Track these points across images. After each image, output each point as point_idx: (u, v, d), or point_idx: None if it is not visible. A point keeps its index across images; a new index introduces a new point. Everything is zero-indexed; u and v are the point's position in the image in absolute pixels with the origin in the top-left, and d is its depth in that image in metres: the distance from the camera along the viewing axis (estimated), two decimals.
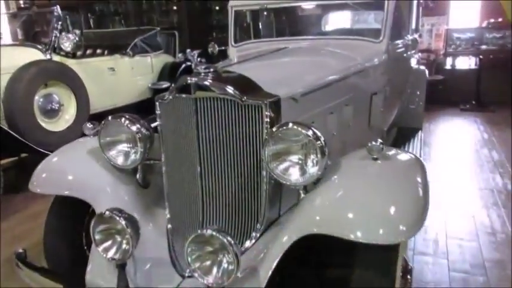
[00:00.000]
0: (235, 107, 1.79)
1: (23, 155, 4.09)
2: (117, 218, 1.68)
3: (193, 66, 1.87)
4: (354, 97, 2.58)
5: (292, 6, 3.53)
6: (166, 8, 9.26)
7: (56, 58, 4.22)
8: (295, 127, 1.66)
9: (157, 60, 5.56)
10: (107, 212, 1.69)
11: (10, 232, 3.27)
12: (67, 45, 4.17)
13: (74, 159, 2.13)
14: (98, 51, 5.12)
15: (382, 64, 2.90)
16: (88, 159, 2.11)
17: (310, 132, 1.65)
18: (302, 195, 1.76)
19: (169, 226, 2.01)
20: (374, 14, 4.07)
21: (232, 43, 3.57)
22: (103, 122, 2.06)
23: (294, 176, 1.69)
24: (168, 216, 2.03)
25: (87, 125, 2.25)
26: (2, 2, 11.71)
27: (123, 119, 1.99)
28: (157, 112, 2.01)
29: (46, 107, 3.92)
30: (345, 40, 3.22)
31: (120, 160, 2.04)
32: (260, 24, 4.03)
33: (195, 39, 8.56)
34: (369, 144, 1.68)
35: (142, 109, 5.41)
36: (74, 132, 4.11)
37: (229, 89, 1.77)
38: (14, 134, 3.53)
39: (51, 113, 3.98)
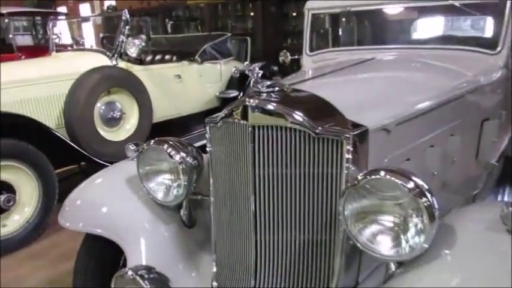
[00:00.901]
0: (305, 139, 1.33)
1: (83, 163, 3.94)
2: (141, 281, 1.31)
3: (251, 83, 1.45)
4: (461, 124, 2.00)
5: (381, 9, 2.98)
6: (243, 13, 9.04)
7: (122, 64, 4.04)
8: (388, 177, 1.16)
9: (226, 68, 5.25)
10: (130, 272, 1.32)
11: (59, 249, 3.08)
12: (133, 51, 3.98)
13: (109, 188, 1.80)
14: (167, 57, 4.91)
15: (499, 81, 2.27)
16: (125, 190, 1.76)
17: (411, 185, 1.14)
18: (393, 268, 1.26)
19: (214, 284, 1.59)
20: (471, 20, 3.39)
21: (307, 51, 3.10)
22: (144, 146, 1.71)
23: (385, 246, 1.18)
24: (214, 269, 1.61)
25: (130, 146, 1.92)
26: (88, 6, 12.30)
27: (165, 146, 1.62)
28: (207, 136, 1.61)
29: (107, 115, 3.73)
30: (445, 51, 2.61)
31: (160, 195, 1.67)
32: (340, 30, 3.51)
33: (269, 46, 8.23)
34: (504, 210, 1.13)
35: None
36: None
37: (299, 116, 1.32)
38: (69, 142, 3.37)
39: (112, 121, 3.79)
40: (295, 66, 3.97)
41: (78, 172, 3.94)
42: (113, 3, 10.60)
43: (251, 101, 1.34)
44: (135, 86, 3.90)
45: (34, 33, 8.74)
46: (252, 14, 8.74)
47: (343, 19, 3.45)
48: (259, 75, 1.51)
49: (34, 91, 3.41)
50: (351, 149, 1.30)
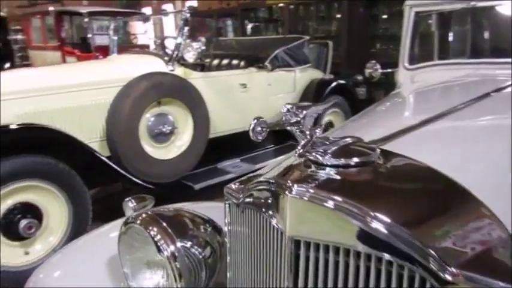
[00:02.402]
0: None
1: None
2: None
3: (302, 140, 0.76)
4: None
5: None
6: (327, 14, 8.22)
7: (179, 70, 3.51)
8: None
9: (301, 76, 4.55)
10: None
11: None
12: (190, 56, 3.43)
13: (88, 266, 1.19)
14: (234, 62, 4.33)
15: None
16: (109, 273, 1.15)
17: None
18: None
19: None
20: None
21: (406, 64, 2.28)
22: (139, 210, 1.07)
23: None
24: None
25: (129, 203, 1.29)
26: (171, 6, 12.30)
27: (154, 229, 0.96)
28: (226, 209, 0.94)
29: (155, 129, 3.22)
30: None
31: None
32: (450, 34, 2.64)
33: (355, 51, 7.34)
34: None
35: (277, 134, 4.47)
36: (184, 162, 3.34)
37: (409, 240, 0.59)
38: (104, 159, 2.90)
39: (162, 137, 3.27)
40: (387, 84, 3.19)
41: (122, 191, 3.48)
42: (194, 3, 10.37)
43: (295, 187, 0.64)
44: (190, 96, 3.35)
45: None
46: (337, 15, 7.90)
47: (454, 19, 2.58)
48: (318, 131, 0.80)
49: (73, 99, 2.99)
50: None
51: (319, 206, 0.61)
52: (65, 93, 2.95)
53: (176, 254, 0.95)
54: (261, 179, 0.77)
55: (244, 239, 0.86)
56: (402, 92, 1.88)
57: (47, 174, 2.60)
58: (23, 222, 2.53)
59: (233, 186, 0.89)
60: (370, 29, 7.53)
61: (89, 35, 7.54)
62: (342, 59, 7.26)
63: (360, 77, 5.27)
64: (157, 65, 3.48)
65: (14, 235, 2.54)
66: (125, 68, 3.32)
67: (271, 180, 0.72)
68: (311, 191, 0.63)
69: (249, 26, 9.41)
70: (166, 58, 3.57)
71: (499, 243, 0.60)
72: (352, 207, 0.60)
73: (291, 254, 0.65)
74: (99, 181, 3.10)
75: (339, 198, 0.61)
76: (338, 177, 0.64)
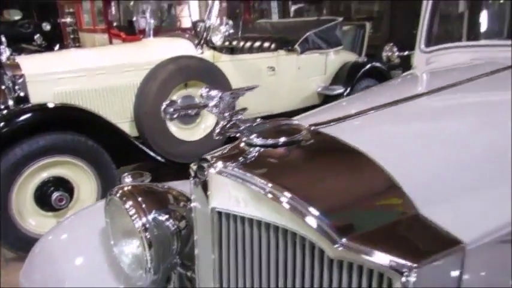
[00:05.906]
0: (302, 253, 0.64)
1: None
2: None
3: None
4: None
5: None
6: None
7: (208, 53, 3.59)
8: None
9: (333, 59, 4.48)
10: None
11: None
12: (217, 39, 3.49)
13: (81, 240, 1.31)
14: (265, 44, 4.35)
15: None
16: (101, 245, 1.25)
17: None
18: None
19: None
20: None
21: (422, 46, 2.23)
22: (112, 190, 1.17)
23: None
24: None
25: (126, 178, 1.39)
26: None
27: (129, 202, 1.05)
28: (192, 188, 1.00)
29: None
30: None
31: (126, 266, 1.13)
32: (481, 13, 2.51)
33: (396, 33, 7.10)
34: None
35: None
36: (208, 144, 3.44)
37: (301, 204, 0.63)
38: (130, 139, 3.06)
39: (187, 118, 3.38)
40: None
41: (155, 168, 3.65)
42: None
43: (219, 163, 0.69)
44: (216, 79, 3.42)
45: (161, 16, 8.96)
46: None
47: None
48: (233, 102, 0.85)
49: (105, 80, 3.16)
50: None
51: (234, 181, 0.66)
52: (97, 75, 3.13)
53: (147, 225, 1.03)
54: (204, 156, 0.83)
55: (198, 216, 0.92)
56: (407, 75, 1.84)
57: (77, 151, 2.80)
58: (55, 195, 2.75)
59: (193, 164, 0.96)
60: (414, 9, 7.22)
61: (134, 18, 7.78)
62: (383, 40, 7.03)
63: (397, 60, 5.12)
64: (186, 48, 3.58)
65: (48, 206, 2.76)
66: (155, 51, 3.45)
67: (202, 158, 0.77)
68: (230, 168, 0.68)
69: (293, 8, 9.29)
70: (196, 41, 3.66)
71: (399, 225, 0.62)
72: (260, 183, 0.65)
73: (216, 225, 0.70)
74: (127, 159, 3.27)
75: (249, 174, 0.66)
76: (258, 155, 0.69)
